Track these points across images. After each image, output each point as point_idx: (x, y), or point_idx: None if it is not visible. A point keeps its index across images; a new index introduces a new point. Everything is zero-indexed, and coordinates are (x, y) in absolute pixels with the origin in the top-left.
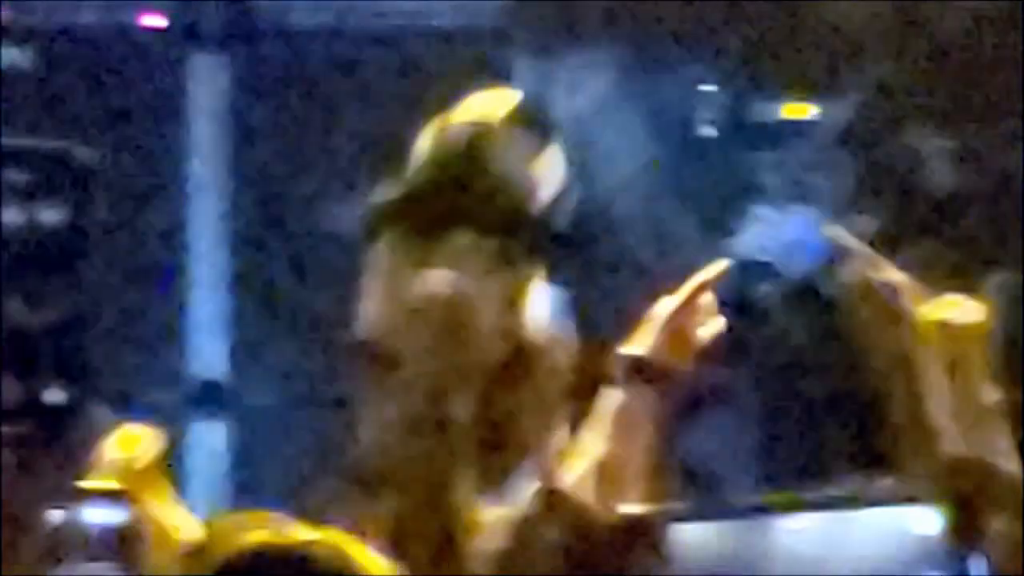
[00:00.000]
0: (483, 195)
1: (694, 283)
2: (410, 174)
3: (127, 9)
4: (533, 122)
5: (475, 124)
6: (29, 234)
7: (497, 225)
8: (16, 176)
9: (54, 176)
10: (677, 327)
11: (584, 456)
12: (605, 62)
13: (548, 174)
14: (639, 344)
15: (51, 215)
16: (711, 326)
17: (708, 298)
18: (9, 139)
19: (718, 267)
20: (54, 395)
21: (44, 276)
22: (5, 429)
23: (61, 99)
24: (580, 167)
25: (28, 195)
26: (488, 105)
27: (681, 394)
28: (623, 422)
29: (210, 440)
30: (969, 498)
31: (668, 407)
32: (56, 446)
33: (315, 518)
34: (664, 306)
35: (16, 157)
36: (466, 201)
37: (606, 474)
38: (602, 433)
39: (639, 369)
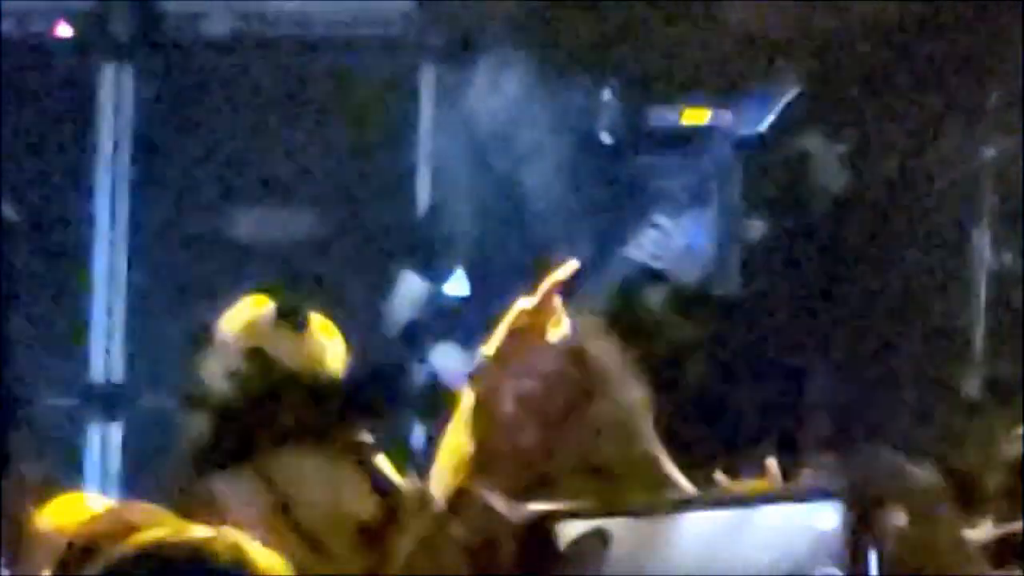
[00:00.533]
0: (284, 394)
1: (547, 284)
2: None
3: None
4: (294, 312)
5: (245, 344)
6: None
7: (309, 414)
8: None
9: None
10: (528, 325)
11: (448, 452)
12: (512, 71)
13: (327, 350)
14: (492, 343)
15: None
16: (560, 327)
17: (557, 300)
18: None
19: (568, 268)
20: None
21: None
22: None
23: None
24: (487, 172)
25: None
26: (248, 316)
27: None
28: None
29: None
30: (871, 495)
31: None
32: None
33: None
34: (518, 306)
35: None
36: (272, 408)
37: (476, 466)
38: (461, 429)
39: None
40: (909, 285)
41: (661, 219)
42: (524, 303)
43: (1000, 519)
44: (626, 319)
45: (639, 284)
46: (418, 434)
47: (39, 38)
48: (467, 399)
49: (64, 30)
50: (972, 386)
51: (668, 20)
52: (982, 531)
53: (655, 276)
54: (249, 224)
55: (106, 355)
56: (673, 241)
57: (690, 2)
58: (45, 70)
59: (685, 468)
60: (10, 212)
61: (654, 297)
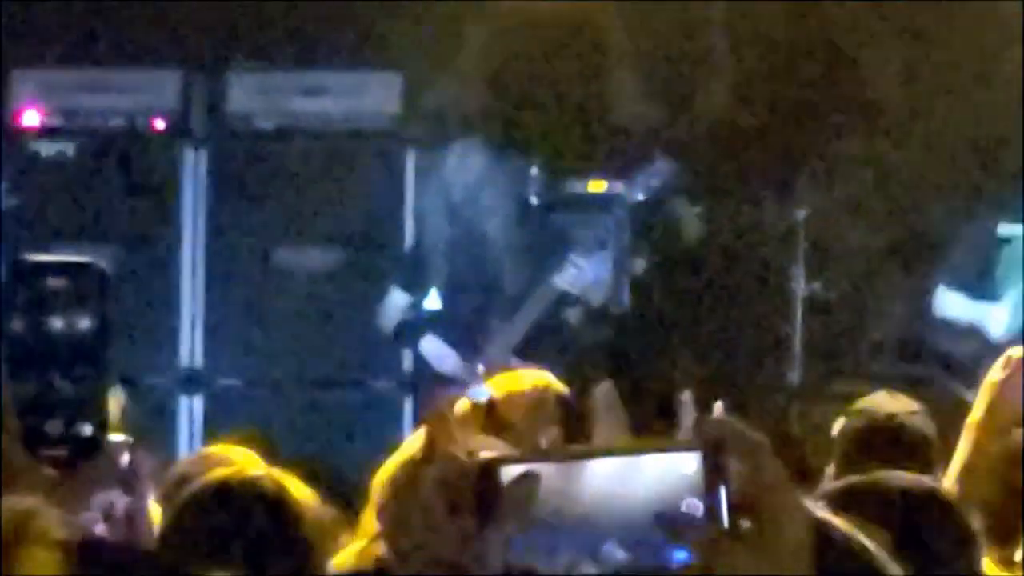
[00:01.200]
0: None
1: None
2: None
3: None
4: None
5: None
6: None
7: None
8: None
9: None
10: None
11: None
12: (472, 154)
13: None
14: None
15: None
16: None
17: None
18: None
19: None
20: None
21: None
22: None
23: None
24: (455, 223)
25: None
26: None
27: None
28: None
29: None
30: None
31: None
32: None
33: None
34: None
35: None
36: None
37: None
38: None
39: None
40: (747, 306)
41: (576, 259)
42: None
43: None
44: (551, 330)
45: (562, 305)
46: (407, 405)
47: (142, 129)
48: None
49: (159, 124)
50: (792, 379)
51: (581, 119)
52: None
53: (572, 300)
54: (289, 261)
55: (191, 347)
56: (584, 275)
57: (592, 107)
58: (145, 152)
59: None
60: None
61: (572, 314)
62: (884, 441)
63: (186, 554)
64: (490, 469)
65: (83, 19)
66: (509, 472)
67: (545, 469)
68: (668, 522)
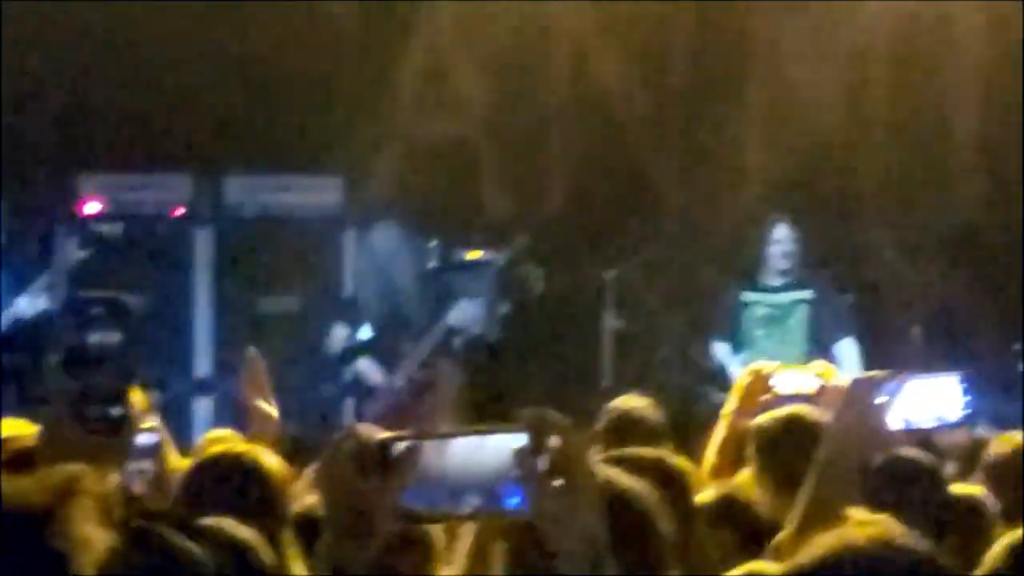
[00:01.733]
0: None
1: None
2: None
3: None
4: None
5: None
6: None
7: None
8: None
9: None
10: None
11: None
12: (389, 234)
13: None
14: None
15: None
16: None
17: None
18: None
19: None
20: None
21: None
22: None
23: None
24: (381, 278)
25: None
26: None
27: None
28: None
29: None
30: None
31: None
32: None
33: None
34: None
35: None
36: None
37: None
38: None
39: None
40: (573, 336)
41: (462, 304)
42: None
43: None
44: (445, 352)
45: (452, 335)
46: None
47: (166, 215)
48: None
49: (179, 211)
50: (604, 385)
51: (464, 209)
52: None
53: (458, 332)
54: (267, 305)
55: (202, 363)
56: (467, 315)
57: (472, 202)
58: (168, 230)
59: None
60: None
61: (457, 341)
62: (629, 426)
63: (193, 506)
64: (385, 445)
65: (126, 138)
66: (399, 447)
67: (424, 444)
68: (508, 479)
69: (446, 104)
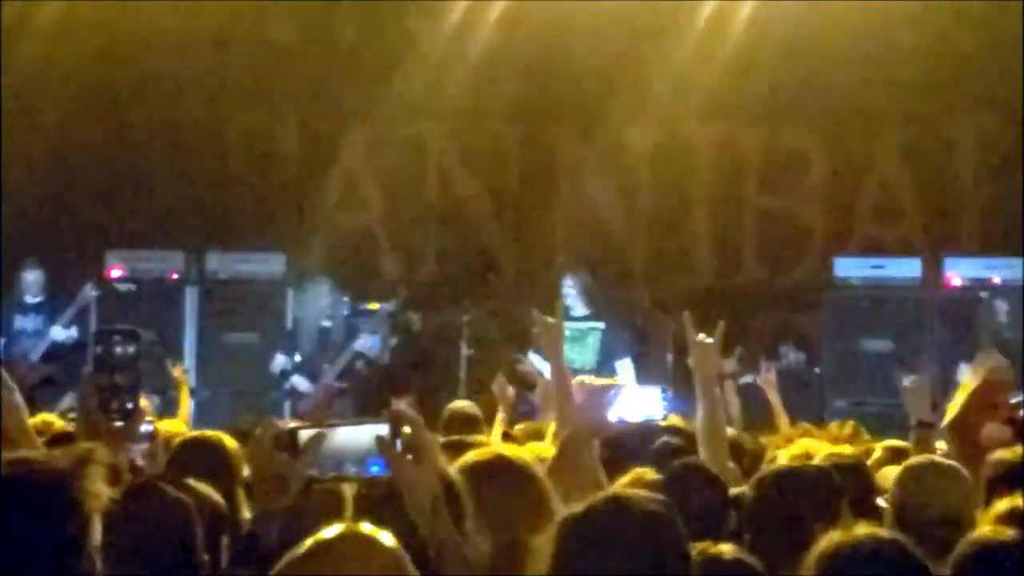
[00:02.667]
0: None
1: None
2: None
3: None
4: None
5: None
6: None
7: None
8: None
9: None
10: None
11: None
12: (315, 292)
13: None
14: None
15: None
16: None
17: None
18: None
19: None
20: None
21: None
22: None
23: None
24: (309, 324)
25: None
26: None
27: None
28: None
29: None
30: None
31: None
32: None
33: None
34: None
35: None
36: None
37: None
38: None
39: None
40: (439, 363)
41: (364, 337)
42: None
43: None
44: (351, 371)
45: (357, 358)
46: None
47: (166, 278)
48: None
49: (175, 276)
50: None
51: (363, 274)
52: None
53: (362, 356)
54: (233, 339)
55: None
56: (368, 344)
57: (370, 270)
58: (168, 288)
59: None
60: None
61: (360, 364)
62: (461, 419)
63: (176, 472)
64: (294, 432)
65: (138, 225)
66: (306, 433)
67: (320, 431)
68: (375, 454)
69: (354, 204)
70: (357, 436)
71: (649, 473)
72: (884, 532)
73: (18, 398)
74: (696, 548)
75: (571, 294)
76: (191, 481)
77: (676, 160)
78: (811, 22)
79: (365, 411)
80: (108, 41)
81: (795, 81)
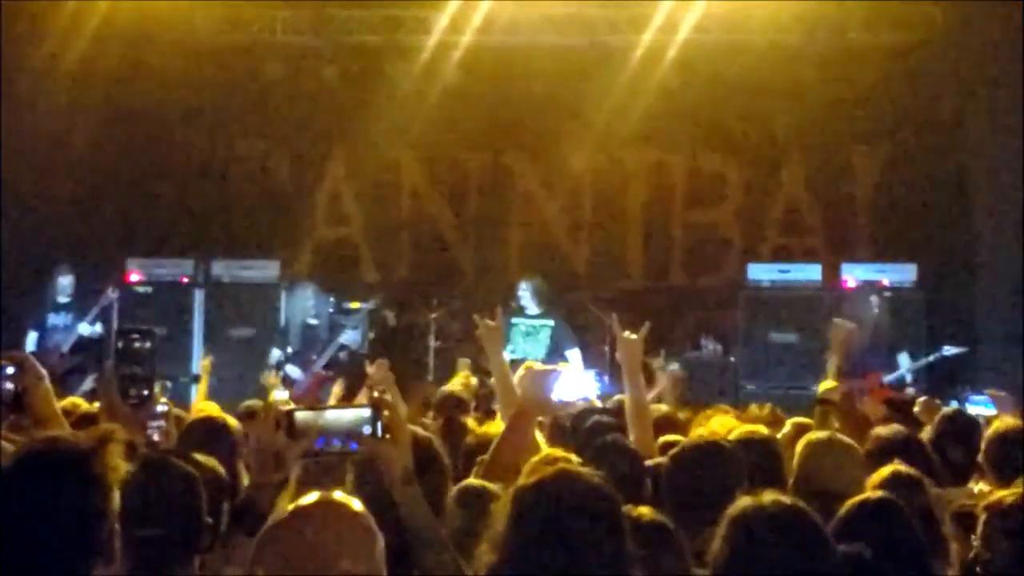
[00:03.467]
0: None
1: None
2: None
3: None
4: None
5: None
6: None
7: None
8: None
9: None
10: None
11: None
12: (304, 294)
13: None
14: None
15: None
16: None
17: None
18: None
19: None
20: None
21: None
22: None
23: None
24: (299, 318)
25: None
26: None
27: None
28: None
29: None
30: (376, 404)
31: None
32: None
33: None
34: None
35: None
36: None
37: None
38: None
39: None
40: (413, 355)
41: (348, 331)
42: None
43: None
44: (337, 360)
45: (342, 349)
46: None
47: (177, 282)
48: None
49: (185, 280)
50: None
51: (346, 279)
52: None
53: (345, 348)
54: (236, 334)
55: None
56: (352, 337)
57: (351, 275)
58: (179, 291)
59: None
60: (161, 331)
61: (343, 354)
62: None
63: (187, 447)
64: (291, 413)
65: (155, 236)
66: (301, 416)
67: (319, 413)
68: (358, 433)
69: (338, 219)
70: (343, 417)
71: (562, 452)
72: (787, 498)
73: (48, 385)
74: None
75: (525, 296)
76: (198, 455)
77: (613, 181)
78: (729, 62)
79: (348, 394)
80: (128, 78)
81: (715, 113)
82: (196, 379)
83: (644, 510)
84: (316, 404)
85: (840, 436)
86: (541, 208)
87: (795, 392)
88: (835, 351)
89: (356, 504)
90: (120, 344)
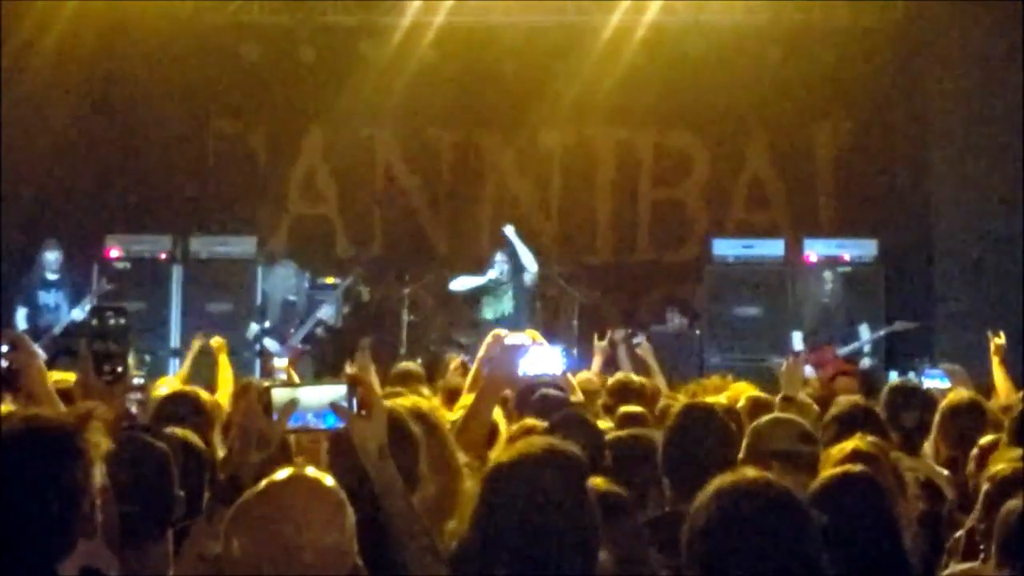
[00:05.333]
0: None
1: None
2: None
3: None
4: None
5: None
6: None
7: None
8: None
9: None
10: None
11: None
12: (283, 270)
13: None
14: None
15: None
16: None
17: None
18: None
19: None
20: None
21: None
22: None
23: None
24: (278, 295)
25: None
26: None
27: None
28: None
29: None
30: (352, 381)
31: None
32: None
33: None
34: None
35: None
36: None
37: None
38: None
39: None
40: (382, 327)
41: (324, 306)
42: None
43: None
44: (313, 335)
45: (319, 324)
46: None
47: (157, 258)
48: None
49: (163, 256)
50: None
51: (322, 255)
52: None
53: (322, 323)
54: (214, 308)
55: (175, 340)
56: (328, 311)
57: (324, 253)
58: (158, 267)
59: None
60: (138, 307)
61: (321, 328)
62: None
63: (160, 423)
64: (268, 390)
65: (134, 213)
66: (278, 393)
67: (295, 389)
68: (334, 408)
69: (314, 195)
70: (319, 394)
71: (538, 423)
72: (771, 476)
73: (42, 364)
74: None
75: (500, 260)
76: (175, 428)
77: (582, 158)
78: (694, 42)
79: (324, 368)
80: (107, 58)
81: (681, 92)
82: (175, 353)
83: (598, 480)
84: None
85: (793, 417)
86: (511, 184)
87: (757, 364)
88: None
89: (328, 480)
90: (94, 321)
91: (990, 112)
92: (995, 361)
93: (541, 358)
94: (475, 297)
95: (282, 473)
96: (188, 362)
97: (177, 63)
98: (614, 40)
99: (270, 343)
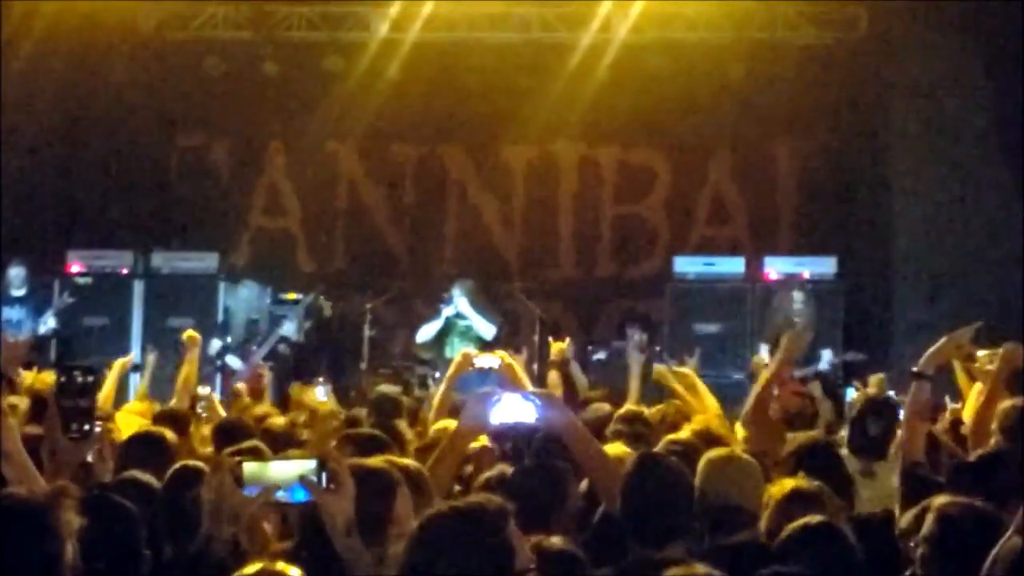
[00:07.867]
0: None
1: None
2: None
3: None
4: None
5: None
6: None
7: None
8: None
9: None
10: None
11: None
12: (245, 286)
13: None
14: None
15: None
16: None
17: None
18: None
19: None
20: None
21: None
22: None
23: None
24: (239, 313)
25: None
26: None
27: None
28: None
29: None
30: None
31: None
32: None
33: None
34: None
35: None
36: None
37: None
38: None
39: None
40: (344, 342)
41: (286, 323)
42: None
43: None
44: (276, 352)
45: (281, 341)
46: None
47: (118, 273)
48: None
49: (124, 271)
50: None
51: (281, 272)
52: None
53: (284, 339)
54: (175, 323)
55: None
56: (290, 328)
57: (289, 273)
58: (119, 282)
59: None
60: (99, 322)
61: (282, 344)
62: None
63: (127, 463)
64: (239, 464)
65: (95, 229)
66: (248, 467)
67: (266, 464)
68: (304, 482)
69: (276, 211)
70: (287, 468)
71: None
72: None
73: (12, 422)
74: (531, 540)
75: (457, 295)
76: (138, 474)
77: (545, 173)
78: (657, 59)
79: (286, 382)
80: (72, 73)
81: (644, 109)
82: (136, 368)
83: (555, 540)
84: (260, 397)
85: (739, 453)
86: (475, 199)
87: (715, 380)
88: (782, 354)
89: (293, 572)
90: (63, 378)
91: (951, 130)
92: (958, 367)
93: (516, 406)
94: (439, 340)
95: (250, 568)
96: (146, 379)
97: (141, 78)
98: (579, 57)
99: (232, 360)
